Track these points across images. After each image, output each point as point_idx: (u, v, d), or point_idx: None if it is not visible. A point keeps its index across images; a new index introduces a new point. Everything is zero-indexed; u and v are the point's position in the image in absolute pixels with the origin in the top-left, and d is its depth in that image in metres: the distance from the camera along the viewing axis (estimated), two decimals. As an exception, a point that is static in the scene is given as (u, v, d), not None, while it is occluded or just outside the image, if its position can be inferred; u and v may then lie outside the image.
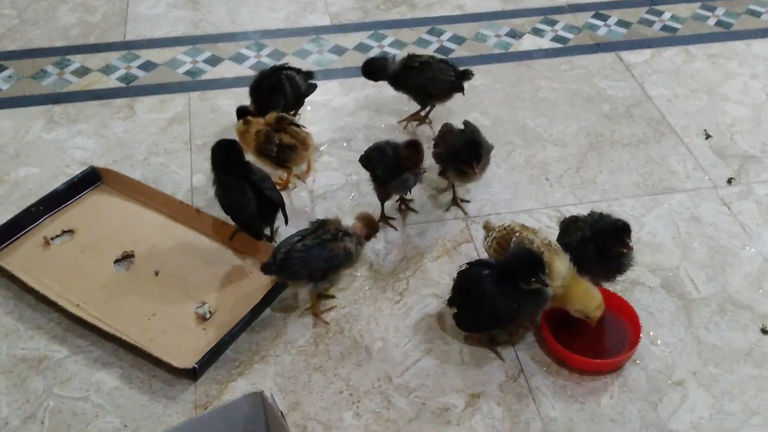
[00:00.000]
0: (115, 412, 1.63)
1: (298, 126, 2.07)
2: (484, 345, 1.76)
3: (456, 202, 2.09)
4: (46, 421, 1.61)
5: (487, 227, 1.85)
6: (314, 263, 1.71)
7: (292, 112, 2.26)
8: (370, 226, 1.83)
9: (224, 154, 1.88)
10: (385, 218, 2.05)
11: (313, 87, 2.27)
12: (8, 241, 1.93)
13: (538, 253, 1.64)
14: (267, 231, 1.97)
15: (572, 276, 1.69)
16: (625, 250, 1.71)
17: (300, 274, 1.71)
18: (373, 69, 2.26)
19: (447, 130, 2.06)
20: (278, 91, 2.16)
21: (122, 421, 1.61)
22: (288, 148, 2.01)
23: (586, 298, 1.69)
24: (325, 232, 1.74)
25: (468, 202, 2.10)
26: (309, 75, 2.27)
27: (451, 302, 1.76)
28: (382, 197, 2.01)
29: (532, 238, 1.72)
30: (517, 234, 1.73)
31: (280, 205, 1.94)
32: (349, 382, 1.70)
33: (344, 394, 1.67)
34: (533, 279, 1.60)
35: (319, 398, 1.66)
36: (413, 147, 1.89)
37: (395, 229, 2.03)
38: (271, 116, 2.05)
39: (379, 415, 1.64)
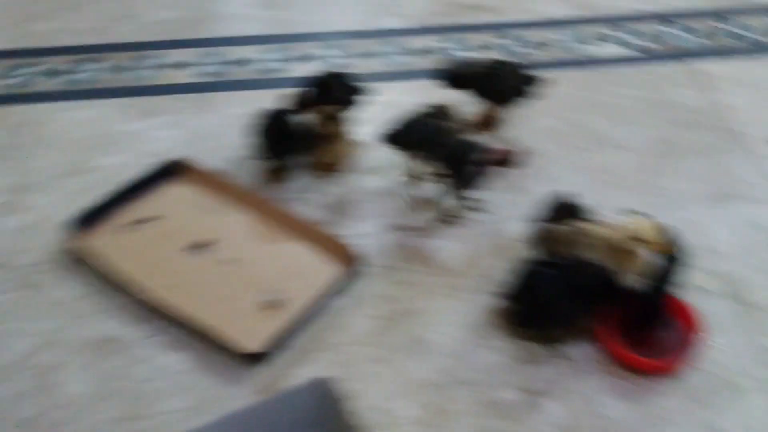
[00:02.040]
0: (180, 394, 1.70)
1: (341, 123, 2.15)
2: (541, 343, 1.79)
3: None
4: (115, 401, 1.69)
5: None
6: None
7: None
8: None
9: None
10: (449, 215, 2.08)
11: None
12: (90, 226, 2.03)
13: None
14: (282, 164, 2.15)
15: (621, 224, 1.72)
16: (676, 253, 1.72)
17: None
18: (457, 73, 2.27)
19: None
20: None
21: (188, 403, 1.68)
22: (319, 137, 2.12)
23: (641, 227, 1.70)
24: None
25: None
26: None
27: (509, 298, 1.79)
28: (451, 192, 2.05)
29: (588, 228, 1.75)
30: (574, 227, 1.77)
31: (297, 135, 2.08)
32: (410, 375, 1.74)
33: (406, 386, 1.72)
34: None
35: (381, 389, 1.71)
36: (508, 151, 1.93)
37: (458, 226, 2.07)
38: (327, 108, 2.14)
39: (439, 407, 1.68)
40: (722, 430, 1.63)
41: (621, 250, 1.69)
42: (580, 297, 1.69)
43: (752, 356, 1.76)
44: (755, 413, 1.65)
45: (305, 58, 2.66)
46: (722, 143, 2.31)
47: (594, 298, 1.71)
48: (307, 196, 2.16)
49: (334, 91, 2.20)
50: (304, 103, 2.22)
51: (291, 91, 2.43)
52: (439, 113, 1.95)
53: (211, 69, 2.63)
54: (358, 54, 2.69)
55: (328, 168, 2.23)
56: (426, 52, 2.69)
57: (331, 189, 2.19)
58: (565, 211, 1.91)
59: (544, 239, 1.83)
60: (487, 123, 2.34)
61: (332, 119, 2.12)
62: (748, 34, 2.74)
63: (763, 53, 2.67)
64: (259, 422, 1.39)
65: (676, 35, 2.74)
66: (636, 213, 1.77)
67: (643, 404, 1.68)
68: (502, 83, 2.24)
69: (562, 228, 1.80)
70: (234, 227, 2.06)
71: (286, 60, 2.66)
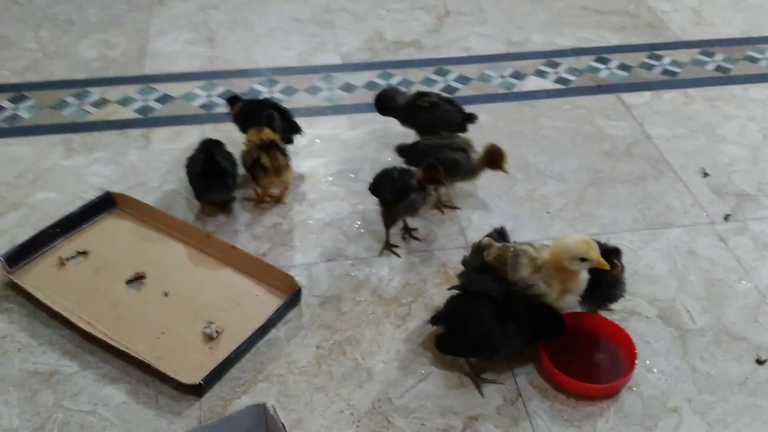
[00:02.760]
0: (121, 426, 1.67)
1: (285, 155, 2.16)
2: (478, 370, 1.80)
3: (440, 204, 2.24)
4: (54, 433, 1.65)
5: (486, 246, 1.89)
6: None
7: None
8: (429, 175, 1.98)
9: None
10: (389, 246, 2.11)
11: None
12: (25, 261, 2.00)
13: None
14: (218, 198, 2.19)
15: (556, 242, 1.75)
16: (615, 271, 1.76)
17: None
18: (384, 98, 2.36)
19: None
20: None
21: (128, 434, 1.66)
22: (261, 169, 2.12)
23: (576, 242, 1.70)
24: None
25: (459, 208, 2.22)
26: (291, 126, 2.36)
27: (436, 321, 1.81)
28: (389, 222, 2.08)
29: (526, 249, 1.78)
30: (512, 249, 1.80)
31: (227, 173, 2.15)
32: (350, 402, 1.74)
33: (345, 414, 1.71)
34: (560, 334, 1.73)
35: (321, 417, 1.70)
36: (434, 167, 1.97)
37: (399, 256, 2.09)
38: (268, 135, 2.15)
39: (378, 435, 1.67)
40: (657, 448, 1.66)
41: (560, 268, 1.73)
42: (515, 323, 1.71)
43: (687, 379, 1.80)
44: (689, 432, 1.69)
45: (246, 94, 2.68)
46: (651, 172, 2.39)
47: (529, 324, 1.74)
48: (247, 228, 2.16)
49: (271, 123, 2.23)
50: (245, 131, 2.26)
51: (230, 125, 2.46)
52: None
53: (151, 105, 2.63)
54: (297, 89, 2.72)
55: (273, 200, 2.24)
56: (362, 86, 2.74)
57: (273, 220, 2.19)
58: (500, 238, 1.95)
59: (479, 259, 1.86)
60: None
61: (277, 151, 2.14)
62: (676, 69, 2.86)
63: (680, 85, 2.79)
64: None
65: (604, 69, 2.85)
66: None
67: (581, 428, 1.70)
68: (436, 119, 2.30)
69: (500, 247, 1.84)
70: (172, 260, 2.04)
71: (225, 96, 2.67)
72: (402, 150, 2.25)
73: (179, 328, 1.86)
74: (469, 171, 2.15)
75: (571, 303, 1.88)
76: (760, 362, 1.84)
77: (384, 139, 2.49)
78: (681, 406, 1.75)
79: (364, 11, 3.17)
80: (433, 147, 2.16)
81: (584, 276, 1.76)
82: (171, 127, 2.52)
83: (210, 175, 2.14)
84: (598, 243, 1.77)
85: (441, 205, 2.24)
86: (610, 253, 1.77)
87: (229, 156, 2.21)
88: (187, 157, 2.22)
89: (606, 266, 1.71)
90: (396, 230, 2.13)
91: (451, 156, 2.11)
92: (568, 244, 1.72)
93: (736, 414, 1.73)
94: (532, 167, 2.40)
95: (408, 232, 2.16)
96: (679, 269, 2.07)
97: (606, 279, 1.78)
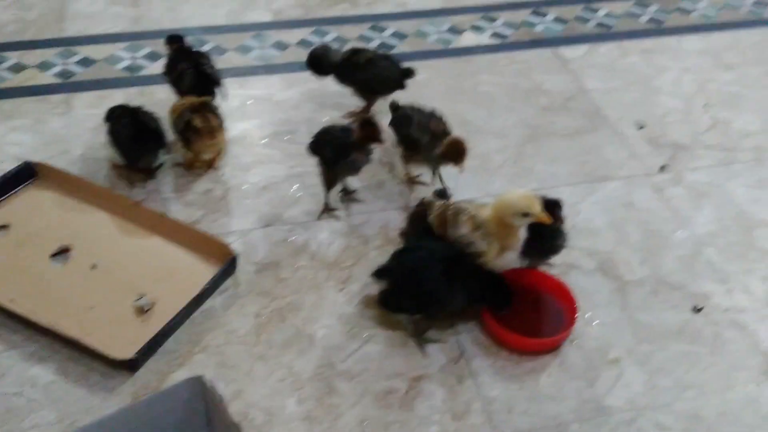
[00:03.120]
0: (51, 406, 1.60)
1: (217, 116, 2.07)
2: (420, 329, 1.78)
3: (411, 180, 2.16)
4: (-22, 418, 1.57)
5: (429, 204, 1.87)
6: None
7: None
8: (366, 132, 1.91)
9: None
10: (328, 209, 2.06)
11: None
12: (-61, 238, 1.88)
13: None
14: (151, 163, 2.11)
15: (498, 198, 1.75)
16: (557, 223, 1.76)
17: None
18: (317, 57, 2.27)
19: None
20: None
21: (58, 414, 1.58)
22: (194, 132, 2.03)
23: (518, 197, 1.71)
24: None
25: (425, 184, 2.15)
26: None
27: (380, 275, 1.77)
28: (330, 182, 2.01)
29: (466, 207, 1.77)
30: (452, 207, 1.77)
31: (159, 132, 2.07)
32: (291, 370, 1.70)
33: (286, 382, 1.67)
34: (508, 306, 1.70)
35: (261, 386, 1.66)
36: (371, 124, 1.91)
37: (338, 219, 2.04)
38: (199, 99, 2.06)
39: (321, 401, 1.64)
40: (604, 404, 1.67)
41: (502, 224, 1.72)
42: (461, 282, 1.69)
43: (627, 330, 1.82)
44: (634, 386, 1.70)
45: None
46: (588, 125, 2.39)
47: (477, 286, 1.72)
48: (177, 195, 2.08)
49: (179, 82, 2.15)
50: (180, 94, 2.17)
51: (156, 88, 2.35)
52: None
53: (72, 68, 2.49)
54: (227, 48, 2.62)
55: (205, 165, 2.15)
56: (295, 44, 2.65)
57: (205, 186, 2.11)
58: (440, 196, 1.92)
59: (419, 219, 1.83)
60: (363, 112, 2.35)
61: (209, 112, 2.05)
62: (611, 21, 2.85)
63: (616, 38, 2.79)
64: (135, 424, 1.32)
65: (539, 23, 2.83)
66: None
67: (524, 382, 1.70)
68: (373, 75, 2.24)
69: (440, 205, 1.81)
70: (99, 231, 1.95)
71: (152, 57, 2.56)
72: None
73: (109, 302, 1.78)
74: (429, 158, 2.07)
75: (510, 259, 1.87)
76: (696, 310, 1.87)
77: (320, 100, 2.42)
78: (621, 357, 1.76)
79: (295, -34, 3.07)
80: (409, 117, 2.08)
81: (521, 233, 1.75)
82: (94, 92, 2.40)
83: (142, 138, 2.04)
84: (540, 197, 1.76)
85: (411, 181, 2.16)
86: (552, 206, 1.76)
87: (154, 117, 2.11)
88: (107, 122, 2.10)
89: (548, 220, 1.70)
90: (335, 193, 2.08)
91: (419, 134, 2.04)
92: (512, 200, 1.71)
93: (674, 362, 1.76)
94: (471, 124, 2.37)
95: (347, 193, 2.11)
96: (617, 221, 2.08)
97: (547, 231, 1.77)
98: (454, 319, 1.81)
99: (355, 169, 2.01)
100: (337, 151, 1.95)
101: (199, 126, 2.03)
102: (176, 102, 2.12)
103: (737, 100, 2.54)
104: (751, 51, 2.77)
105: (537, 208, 1.69)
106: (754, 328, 1.84)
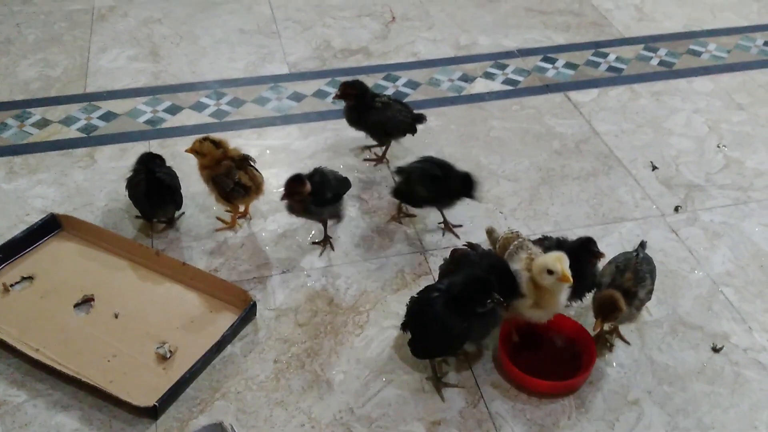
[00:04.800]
0: (74, 454, 1.62)
1: (257, 169, 2.11)
2: (439, 371, 1.79)
3: (448, 226, 2.18)
4: (3, 467, 1.59)
5: (491, 233, 1.95)
6: None
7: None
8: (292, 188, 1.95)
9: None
10: (327, 238, 2.13)
11: None
12: (-33, 289, 1.93)
13: (485, 275, 1.67)
14: (165, 217, 2.15)
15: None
16: (598, 258, 1.79)
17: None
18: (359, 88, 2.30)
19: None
20: None
21: (82, 463, 1.60)
22: (243, 188, 2.05)
23: (546, 257, 1.71)
24: None
25: (460, 226, 2.19)
26: None
27: (404, 327, 1.79)
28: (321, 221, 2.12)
29: (531, 247, 1.79)
30: (519, 241, 1.82)
31: (173, 188, 2.09)
32: (310, 416, 1.70)
33: (306, 428, 1.68)
34: (489, 301, 1.64)
35: (281, 432, 1.67)
36: (294, 180, 1.95)
37: (333, 249, 2.08)
38: (237, 151, 2.09)
39: (341, 446, 1.65)
40: (620, 442, 1.66)
41: (534, 281, 1.72)
42: (470, 313, 1.67)
43: (646, 371, 1.81)
44: (655, 427, 1.69)
45: (195, 107, 2.64)
46: (601, 167, 2.41)
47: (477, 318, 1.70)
48: (197, 243, 2.12)
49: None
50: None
51: (178, 140, 2.41)
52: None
53: (95, 123, 2.57)
54: (245, 100, 2.69)
55: (241, 216, 2.19)
56: (311, 95, 2.71)
57: (224, 235, 2.15)
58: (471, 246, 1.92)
59: (458, 260, 1.85)
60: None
61: (252, 167, 2.09)
62: (621, 65, 2.90)
63: (626, 81, 2.82)
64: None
65: (550, 69, 2.87)
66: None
67: (544, 425, 1.69)
68: (388, 118, 2.29)
69: (510, 233, 1.88)
70: (121, 280, 1.99)
71: (172, 110, 2.63)
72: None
73: (131, 350, 1.81)
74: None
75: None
76: (715, 350, 1.86)
77: (335, 148, 2.47)
78: (641, 399, 1.75)
79: (310, 20, 3.15)
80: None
81: (562, 299, 1.74)
82: (116, 145, 2.47)
83: (156, 194, 2.07)
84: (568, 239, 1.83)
85: (399, 217, 2.21)
86: (588, 244, 1.79)
87: (170, 170, 2.15)
88: (126, 177, 2.14)
89: (570, 281, 1.68)
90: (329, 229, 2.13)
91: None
92: (541, 258, 1.72)
93: (695, 403, 1.74)
94: (485, 168, 2.40)
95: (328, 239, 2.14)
96: (633, 262, 2.09)
97: (589, 270, 1.80)
98: (473, 362, 1.81)
99: (317, 215, 2.05)
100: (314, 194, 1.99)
101: (248, 183, 2.06)
102: (204, 159, 2.07)
103: (749, 139, 2.56)
104: (761, 91, 2.79)
105: (559, 267, 1.68)
106: (775, 367, 1.83)
